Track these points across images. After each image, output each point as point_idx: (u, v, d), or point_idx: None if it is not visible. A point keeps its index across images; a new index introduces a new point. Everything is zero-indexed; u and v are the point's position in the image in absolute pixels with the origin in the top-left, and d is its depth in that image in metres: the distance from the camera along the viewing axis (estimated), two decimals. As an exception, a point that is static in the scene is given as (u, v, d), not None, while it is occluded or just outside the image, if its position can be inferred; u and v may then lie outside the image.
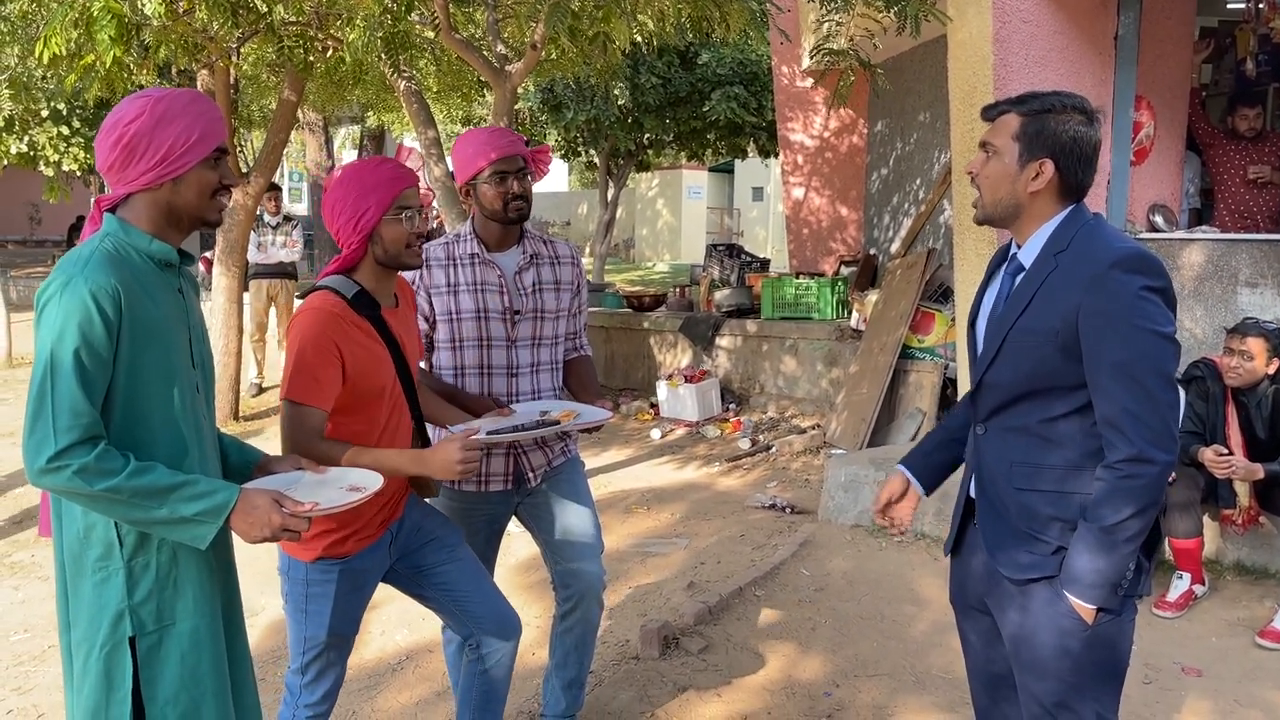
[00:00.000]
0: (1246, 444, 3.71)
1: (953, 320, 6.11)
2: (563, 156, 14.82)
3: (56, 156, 10.93)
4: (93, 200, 1.70)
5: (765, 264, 9.35)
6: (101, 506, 1.54)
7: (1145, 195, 5.44)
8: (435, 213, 7.22)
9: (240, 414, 7.38)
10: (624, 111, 12.63)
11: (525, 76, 5.40)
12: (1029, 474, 1.79)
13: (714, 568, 4.25)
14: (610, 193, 15.11)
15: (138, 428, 1.60)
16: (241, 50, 7.03)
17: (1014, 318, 1.77)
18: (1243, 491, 3.73)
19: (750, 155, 15.12)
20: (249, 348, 8.14)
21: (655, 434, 6.96)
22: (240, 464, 1.86)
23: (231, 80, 7.12)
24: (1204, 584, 3.79)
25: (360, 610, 2.18)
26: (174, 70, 7.44)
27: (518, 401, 2.51)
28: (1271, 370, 3.67)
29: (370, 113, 15.23)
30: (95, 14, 3.73)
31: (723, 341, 7.77)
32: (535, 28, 5.09)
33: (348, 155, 24.39)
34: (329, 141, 17.75)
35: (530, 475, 2.55)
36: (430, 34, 5.68)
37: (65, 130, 10.84)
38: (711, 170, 25.51)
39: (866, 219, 8.79)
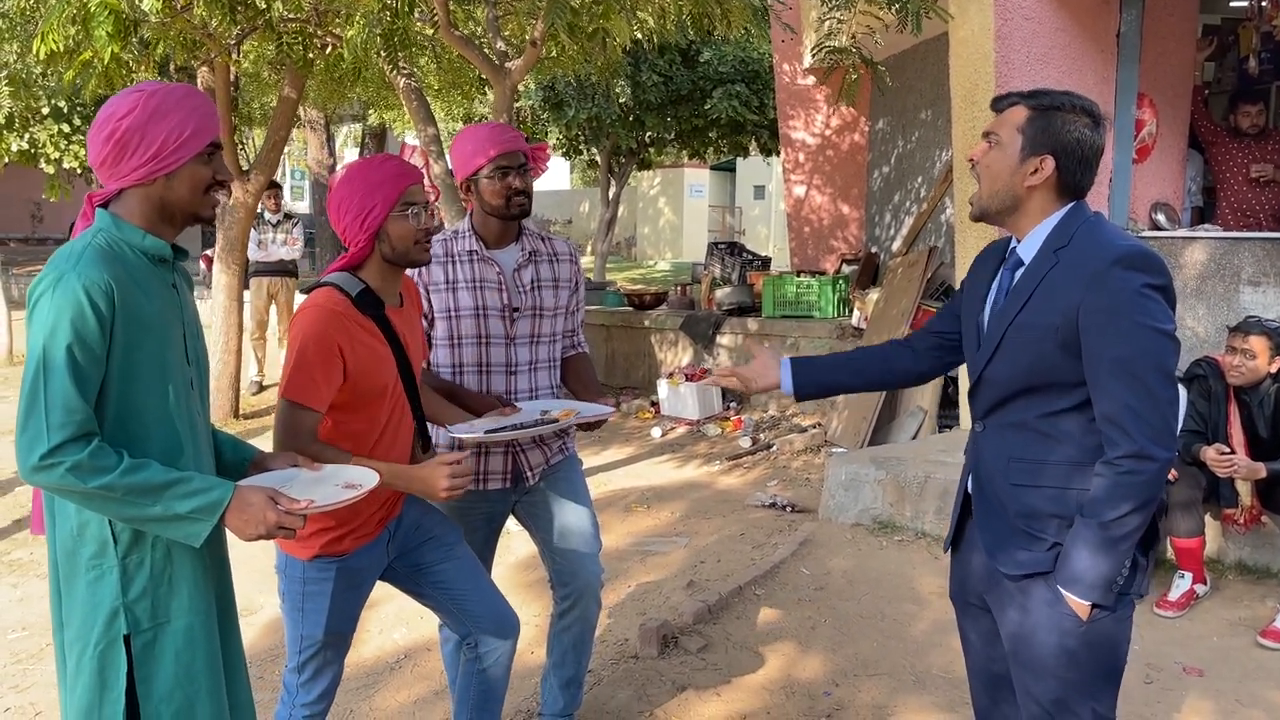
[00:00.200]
0: (1248, 443, 3.69)
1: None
2: (564, 154, 14.80)
3: (57, 154, 10.92)
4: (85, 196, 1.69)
5: (766, 262, 9.34)
6: (95, 504, 1.53)
7: (1147, 193, 5.43)
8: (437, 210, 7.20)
9: (241, 412, 7.38)
10: (625, 109, 12.61)
11: (525, 73, 5.39)
12: (1026, 470, 1.79)
13: (714, 566, 4.23)
14: (612, 191, 15.09)
15: (131, 424, 1.59)
16: (242, 48, 7.02)
17: (1014, 313, 1.77)
18: (1245, 491, 3.71)
19: (752, 153, 15.09)
20: (249, 346, 8.14)
21: (656, 432, 6.95)
22: (235, 461, 1.84)
23: (232, 78, 7.12)
24: (1205, 583, 3.77)
25: (358, 609, 2.17)
26: (173, 67, 7.42)
27: (515, 399, 2.50)
28: (1274, 369, 3.65)
29: (372, 110, 15.23)
30: (92, 10, 3.72)
31: (724, 340, 7.76)
32: (535, 24, 5.08)
33: (349, 153, 24.39)
34: (330, 139, 17.75)
35: (528, 474, 2.54)
36: (430, 31, 5.66)
37: (66, 128, 10.83)
38: (713, 168, 25.48)
39: (868, 217, 8.78)
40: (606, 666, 3.26)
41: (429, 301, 2.48)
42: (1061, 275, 1.71)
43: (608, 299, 9.33)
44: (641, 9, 5.33)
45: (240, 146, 10.36)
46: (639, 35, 6.06)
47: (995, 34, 4.66)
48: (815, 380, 2.08)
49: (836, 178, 8.88)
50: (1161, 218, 5.40)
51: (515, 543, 4.43)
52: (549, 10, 3.90)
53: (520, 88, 11.53)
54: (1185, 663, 3.29)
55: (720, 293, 8.32)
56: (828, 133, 8.82)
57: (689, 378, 7.25)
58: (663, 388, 7.37)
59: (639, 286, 12.66)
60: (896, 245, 7.95)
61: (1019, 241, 1.83)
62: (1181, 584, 3.71)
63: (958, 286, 2.04)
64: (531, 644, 3.47)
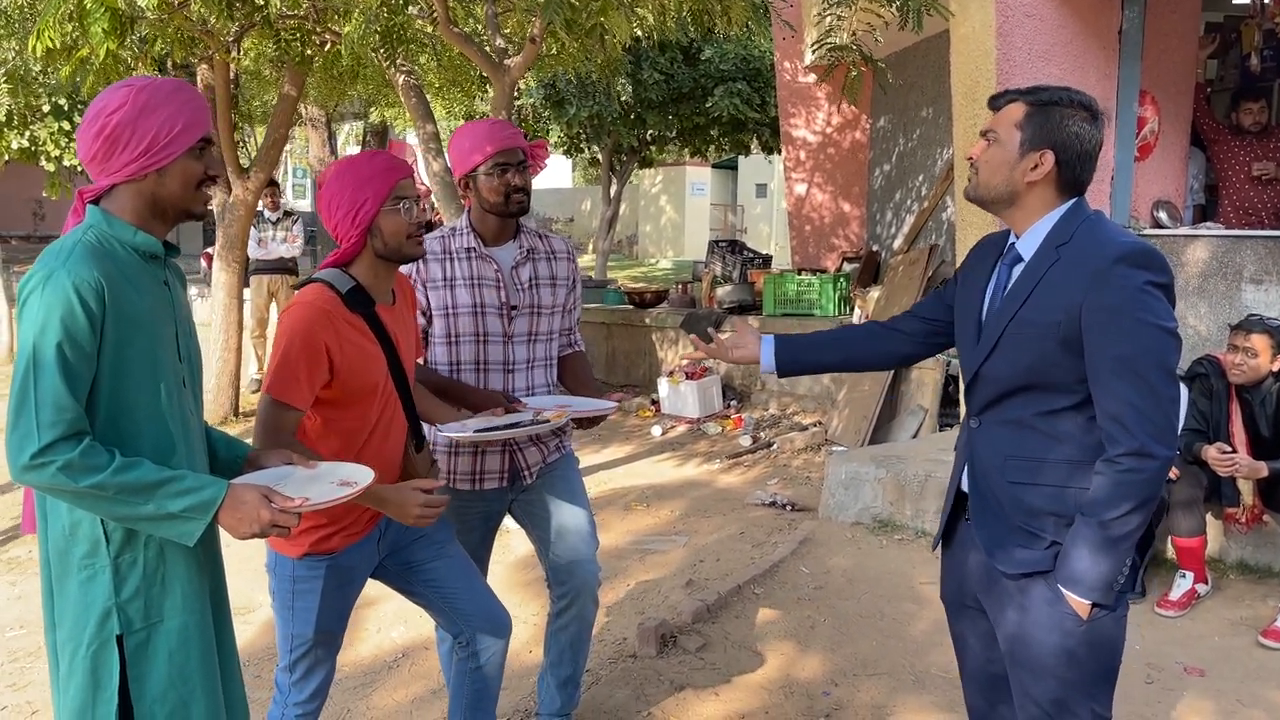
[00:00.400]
0: (1250, 442, 3.67)
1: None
2: (565, 153, 14.77)
3: (58, 152, 10.91)
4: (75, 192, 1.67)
5: (767, 260, 9.32)
6: (87, 503, 1.52)
7: (1149, 191, 5.41)
8: (434, 205, 7.19)
9: (241, 410, 7.36)
10: (626, 107, 12.58)
11: (525, 71, 5.37)
12: (1024, 468, 1.77)
13: (713, 565, 4.22)
14: (613, 189, 15.07)
15: (123, 422, 1.57)
16: (242, 45, 7.01)
17: (1014, 310, 1.76)
18: (1246, 490, 3.70)
19: (754, 151, 15.05)
20: (249, 343, 8.13)
21: (656, 431, 6.94)
22: (229, 459, 1.83)
23: (232, 75, 7.10)
24: (1207, 583, 3.76)
25: (348, 607, 2.16)
26: (171, 64, 7.41)
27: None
28: (1276, 367, 3.63)
29: (373, 108, 15.22)
30: (88, 7, 3.70)
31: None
32: (534, 21, 5.06)
33: (351, 151, 24.40)
34: (332, 137, 17.74)
35: (525, 473, 2.53)
36: (430, 28, 5.65)
37: (66, 125, 10.82)
38: (715, 166, 25.44)
39: (869, 215, 8.76)
40: (604, 666, 3.25)
41: (426, 299, 2.46)
42: (1063, 272, 1.70)
43: (608, 297, 9.32)
44: (641, 6, 5.31)
45: (241, 144, 10.35)
46: (639, 33, 6.05)
47: (996, 31, 4.64)
48: (797, 358, 2.09)
49: (838, 176, 8.85)
50: (1163, 215, 5.38)
51: (513, 541, 4.42)
52: (546, 6, 3.88)
53: (521, 85, 11.51)
54: (1186, 662, 3.28)
55: (721, 291, 8.31)
56: (829, 130, 8.79)
57: (689, 376, 7.23)
58: (663, 386, 7.36)
59: (640, 285, 12.64)
60: (898, 243, 7.94)
61: (1017, 237, 1.82)
62: (1183, 583, 3.69)
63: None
64: (529, 643, 3.46)
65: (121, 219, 1.61)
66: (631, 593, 3.96)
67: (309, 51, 5.88)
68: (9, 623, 3.75)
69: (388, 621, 3.69)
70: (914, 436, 5.79)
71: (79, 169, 11.63)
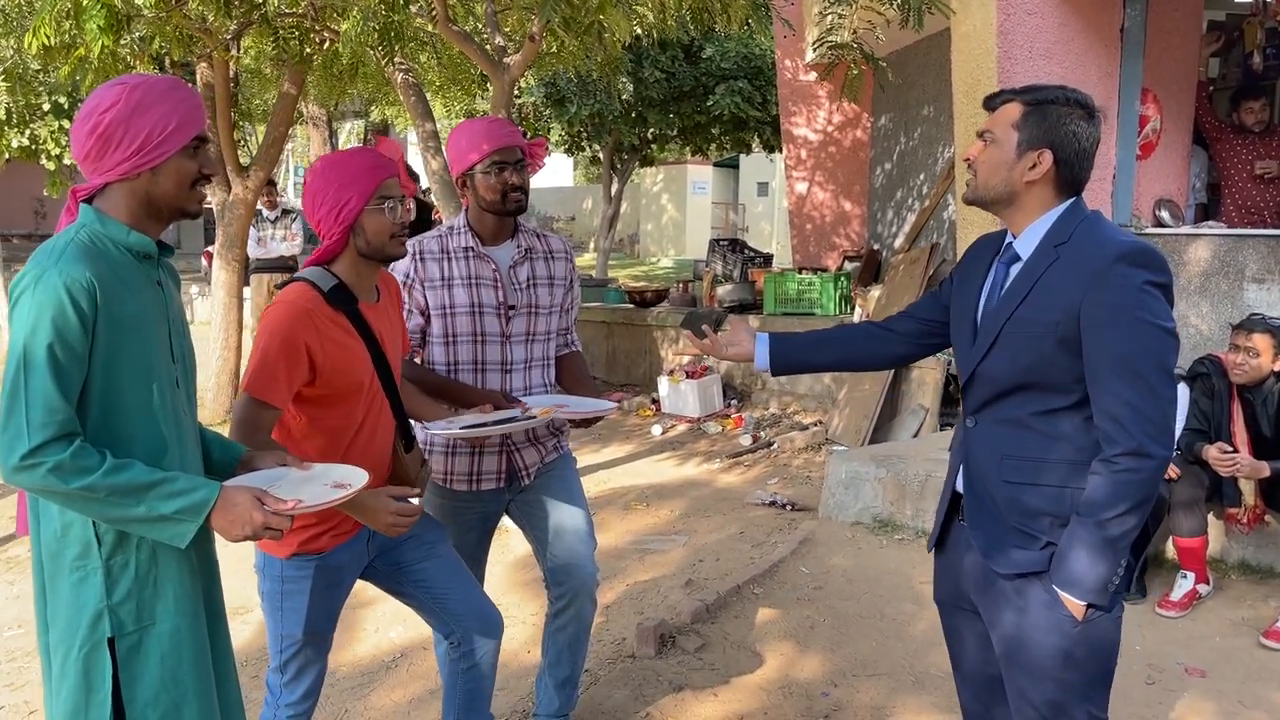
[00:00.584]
0: (1252, 441, 3.66)
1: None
2: (567, 151, 14.77)
3: (58, 150, 10.90)
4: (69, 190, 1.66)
5: (768, 259, 9.31)
6: (78, 505, 1.51)
7: (1151, 189, 5.39)
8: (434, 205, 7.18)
9: (240, 409, 7.36)
10: (627, 106, 12.57)
11: (524, 69, 5.36)
12: (1021, 468, 1.77)
13: (712, 565, 4.21)
14: (614, 188, 15.06)
15: (115, 424, 1.56)
16: (242, 43, 7.00)
17: (1011, 309, 1.75)
18: (1248, 490, 3.68)
19: (755, 150, 15.04)
20: (250, 342, 8.12)
21: (656, 430, 6.93)
22: (223, 460, 1.82)
23: (232, 74, 7.09)
24: (1208, 583, 3.74)
25: (337, 607, 2.15)
26: (168, 62, 7.39)
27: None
28: (1277, 367, 3.62)
29: (374, 107, 15.20)
30: (84, 3, 3.69)
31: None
32: (534, 19, 5.05)
33: (352, 150, 24.32)
34: (333, 136, 17.72)
35: (523, 473, 2.52)
36: (430, 27, 5.64)
37: (66, 124, 10.80)
38: (716, 165, 25.41)
39: (870, 214, 8.74)
40: (603, 666, 3.24)
41: (424, 298, 2.45)
42: (1062, 272, 1.70)
43: (609, 296, 9.31)
44: (641, 4, 5.30)
45: (242, 143, 10.35)
46: (639, 31, 6.03)
47: (998, 29, 4.63)
48: (792, 357, 2.08)
49: (839, 174, 8.84)
50: (1165, 214, 5.37)
51: (512, 541, 4.41)
52: (543, 4, 3.87)
53: (522, 84, 11.49)
54: (1187, 663, 3.26)
55: (722, 290, 8.30)
56: (830, 129, 8.78)
57: (690, 375, 7.22)
58: (663, 385, 7.35)
59: (641, 284, 12.63)
60: (899, 242, 7.92)
61: (1014, 236, 1.82)
62: (1184, 584, 3.68)
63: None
64: (527, 643, 3.45)
65: (115, 218, 1.60)
66: (630, 592, 3.95)
67: (308, 50, 5.87)
68: (7, 622, 3.74)
69: (386, 621, 3.68)
70: (915, 436, 5.77)
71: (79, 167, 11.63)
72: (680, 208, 25.24)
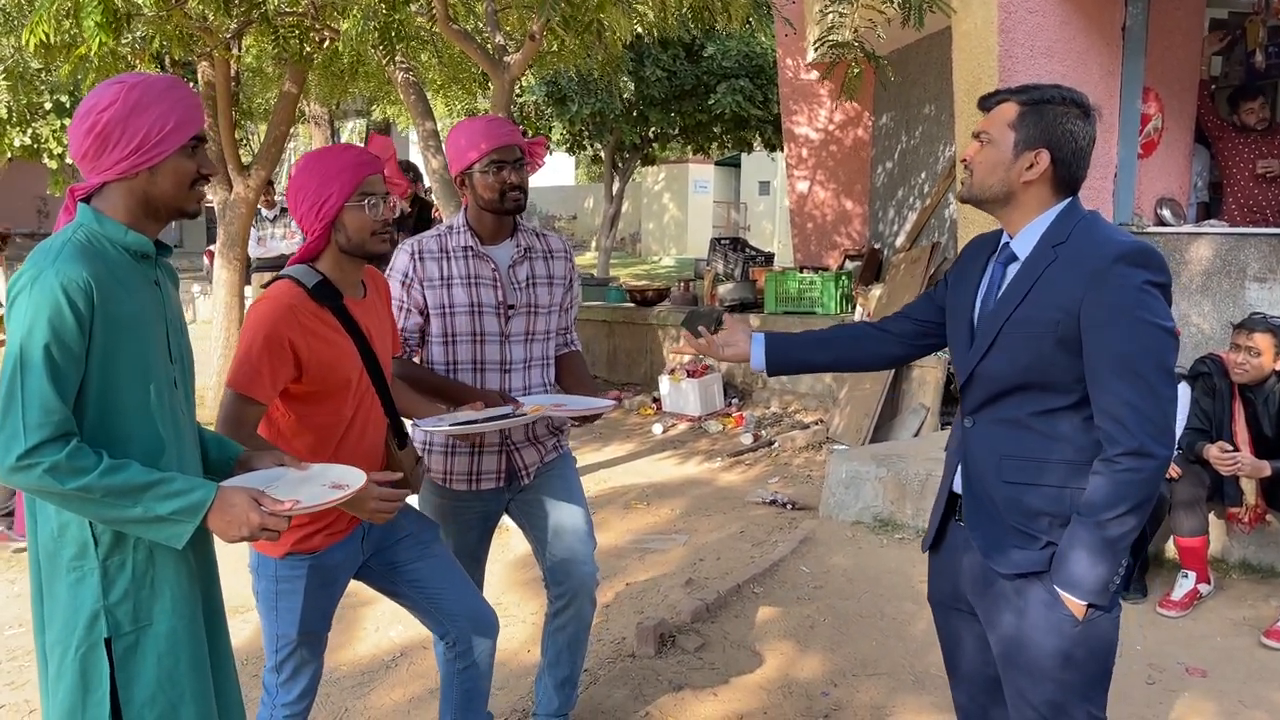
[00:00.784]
0: (1253, 441, 3.65)
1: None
2: (568, 150, 14.74)
3: (60, 149, 10.92)
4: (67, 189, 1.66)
5: (769, 258, 9.30)
6: (74, 505, 1.51)
7: (1153, 188, 5.38)
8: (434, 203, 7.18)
9: (241, 408, 7.36)
10: (629, 105, 12.55)
11: (525, 68, 5.35)
12: (1020, 468, 1.76)
13: (713, 564, 4.21)
14: (616, 186, 15.04)
15: (112, 424, 1.56)
16: (243, 42, 6.99)
17: (1010, 309, 1.75)
18: (1249, 489, 3.68)
19: (756, 149, 15.02)
20: (249, 341, 8.12)
21: (657, 429, 6.93)
22: (221, 460, 1.81)
23: (233, 73, 7.09)
24: (1209, 583, 3.74)
25: (332, 606, 2.15)
26: (169, 61, 7.39)
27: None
28: (1279, 366, 3.61)
29: (375, 105, 15.18)
30: (82, 0, 3.68)
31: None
32: (534, 18, 5.04)
33: (353, 148, 24.32)
34: (335, 135, 17.72)
35: (523, 473, 2.52)
36: (429, 25, 5.63)
37: (69, 122, 10.82)
38: (718, 164, 25.38)
39: (871, 213, 8.73)
40: (603, 665, 3.24)
41: (424, 297, 2.44)
42: (1061, 272, 1.69)
43: (610, 295, 9.30)
44: (641, 3, 5.29)
45: (244, 141, 10.35)
46: (639, 29, 6.03)
47: (999, 28, 4.62)
48: (788, 357, 2.08)
49: (840, 173, 8.83)
50: (1167, 213, 5.36)
51: (512, 540, 4.41)
52: (543, 3, 3.86)
53: (523, 83, 11.49)
54: (1188, 663, 3.26)
55: (723, 289, 8.29)
56: (831, 128, 8.77)
57: (691, 374, 7.22)
58: (664, 384, 7.34)
59: (642, 282, 12.63)
60: (900, 241, 7.91)
61: (1011, 236, 1.81)
62: (1185, 583, 3.67)
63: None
64: (527, 643, 3.45)
65: (113, 218, 1.59)
66: (630, 592, 3.95)
67: (308, 49, 5.86)
68: (8, 621, 3.74)
69: (385, 621, 3.68)
70: (916, 435, 5.77)
71: (81, 166, 11.65)
72: (682, 206, 25.22)
